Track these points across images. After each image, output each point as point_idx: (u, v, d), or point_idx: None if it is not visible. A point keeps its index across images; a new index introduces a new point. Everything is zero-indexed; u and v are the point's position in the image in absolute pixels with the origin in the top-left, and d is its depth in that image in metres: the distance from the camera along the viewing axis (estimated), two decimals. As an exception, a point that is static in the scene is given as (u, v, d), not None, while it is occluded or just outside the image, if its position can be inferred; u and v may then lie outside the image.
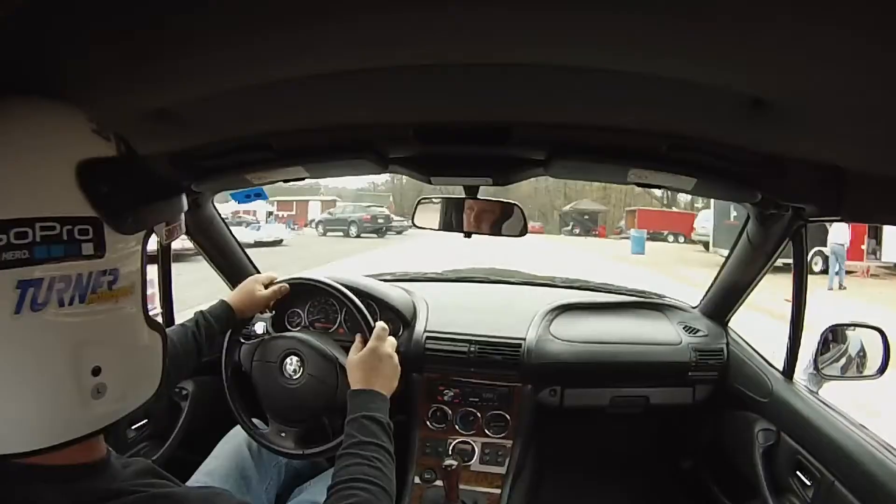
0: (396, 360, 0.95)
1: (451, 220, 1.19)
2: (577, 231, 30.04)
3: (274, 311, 1.46)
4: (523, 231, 1.16)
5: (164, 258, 1.37)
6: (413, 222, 1.25)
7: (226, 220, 1.49)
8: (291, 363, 1.18)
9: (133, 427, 1.25)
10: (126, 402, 0.49)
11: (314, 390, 1.16)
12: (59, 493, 0.45)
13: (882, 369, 1.21)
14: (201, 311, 1.06)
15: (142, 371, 0.51)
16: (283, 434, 1.17)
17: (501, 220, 1.17)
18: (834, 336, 1.28)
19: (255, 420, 1.22)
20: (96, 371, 0.46)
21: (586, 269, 10.10)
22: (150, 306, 0.52)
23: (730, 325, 1.53)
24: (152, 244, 0.52)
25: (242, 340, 1.21)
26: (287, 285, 1.19)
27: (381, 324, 1.00)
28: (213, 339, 1.06)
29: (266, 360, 1.18)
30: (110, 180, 0.46)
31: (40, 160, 0.43)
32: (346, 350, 1.21)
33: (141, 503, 0.47)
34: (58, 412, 0.45)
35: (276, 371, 1.18)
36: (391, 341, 0.98)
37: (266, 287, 1.16)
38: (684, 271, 10.63)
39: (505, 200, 1.16)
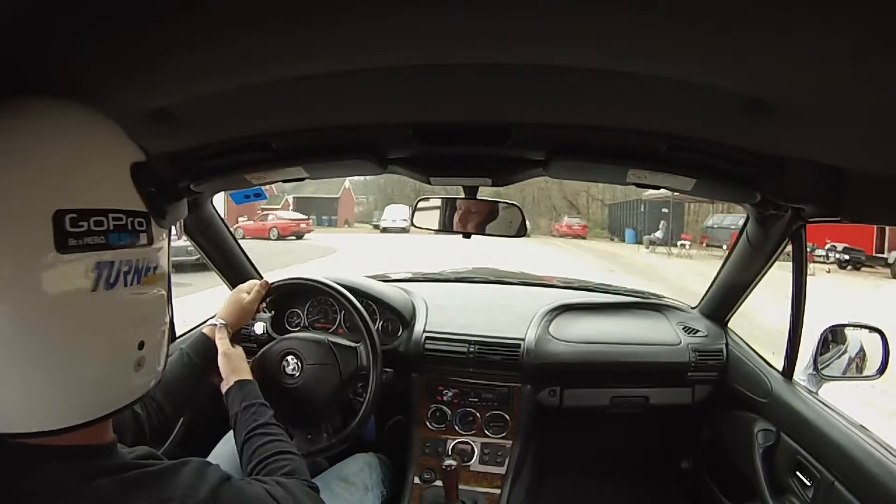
0: (237, 349, 1.05)
1: (451, 220, 1.19)
2: (687, 243, 15.98)
3: (273, 312, 1.47)
4: (522, 231, 1.16)
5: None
6: (412, 223, 1.25)
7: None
8: (290, 363, 1.19)
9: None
10: (154, 375, 0.56)
11: (318, 377, 1.17)
12: (69, 469, 0.48)
13: (882, 370, 1.21)
14: (180, 350, 1.04)
15: (163, 348, 0.57)
16: (309, 437, 1.18)
17: (501, 220, 1.17)
18: (833, 336, 1.28)
19: None
20: (141, 345, 0.52)
21: None
22: None
23: (729, 325, 1.53)
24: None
25: None
26: (267, 281, 1.20)
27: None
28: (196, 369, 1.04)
29: (266, 371, 1.19)
30: (154, 181, 0.52)
31: (108, 159, 0.50)
32: (343, 345, 1.23)
33: (140, 478, 0.51)
34: (109, 383, 0.50)
35: (278, 376, 1.18)
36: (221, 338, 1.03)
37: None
38: None
39: (504, 201, 1.16)
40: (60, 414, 0.47)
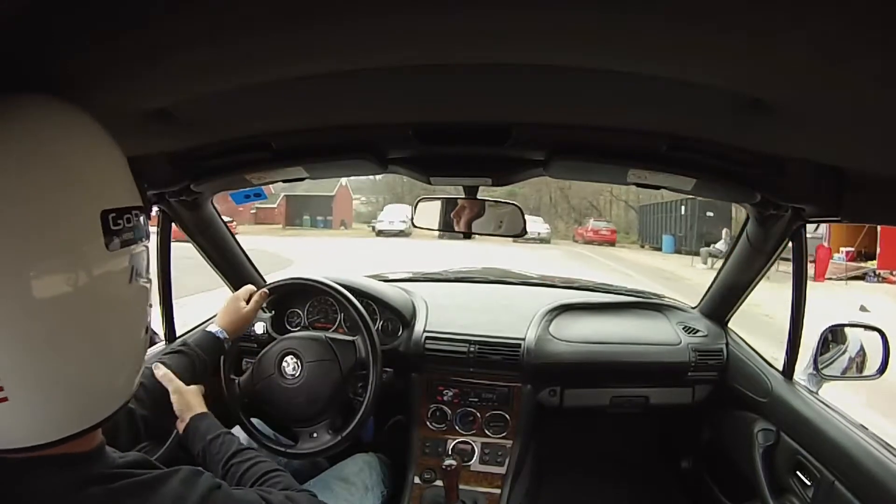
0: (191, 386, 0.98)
1: (451, 219, 1.19)
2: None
3: (273, 312, 1.47)
4: (522, 231, 1.17)
5: (164, 268, 1.36)
6: (413, 222, 1.25)
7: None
8: (289, 364, 1.19)
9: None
10: (146, 356, 0.58)
11: (319, 374, 1.18)
12: (61, 478, 0.48)
13: (882, 369, 1.21)
14: (185, 343, 1.04)
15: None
16: (314, 434, 1.19)
17: (501, 220, 1.17)
18: (833, 336, 1.28)
19: (275, 434, 1.24)
20: (147, 329, 0.55)
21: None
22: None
23: (729, 325, 1.53)
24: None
25: (234, 377, 1.21)
26: (266, 290, 1.17)
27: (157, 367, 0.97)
28: (204, 370, 1.04)
29: (267, 376, 1.19)
30: (140, 177, 0.54)
31: (119, 159, 0.52)
32: (341, 339, 1.25)
33: (130, 487, 0.51)
34: (133, 367, 0.54)
35: (278, 378, 1.18)
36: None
37: (248, 301, 1.14)
38: None
39: (504, 200, 1.17)
40: (67, 422, 0.47)
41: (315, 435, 1.18)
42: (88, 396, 0.49)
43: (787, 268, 1.21)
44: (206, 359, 1.04)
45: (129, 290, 0.50)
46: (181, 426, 0.93)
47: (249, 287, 1.17)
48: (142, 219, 0.52)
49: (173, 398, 0.94)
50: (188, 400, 0.95)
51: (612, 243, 19.95)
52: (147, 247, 0.54)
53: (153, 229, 1.29)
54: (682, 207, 17.17)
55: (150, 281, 0.55)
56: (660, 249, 18.10)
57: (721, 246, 12.88)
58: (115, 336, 0.50)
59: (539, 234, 18.80)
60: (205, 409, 0.95)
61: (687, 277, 10.43)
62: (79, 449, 0.50)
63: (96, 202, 0.47)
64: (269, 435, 1.23)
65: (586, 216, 26.10)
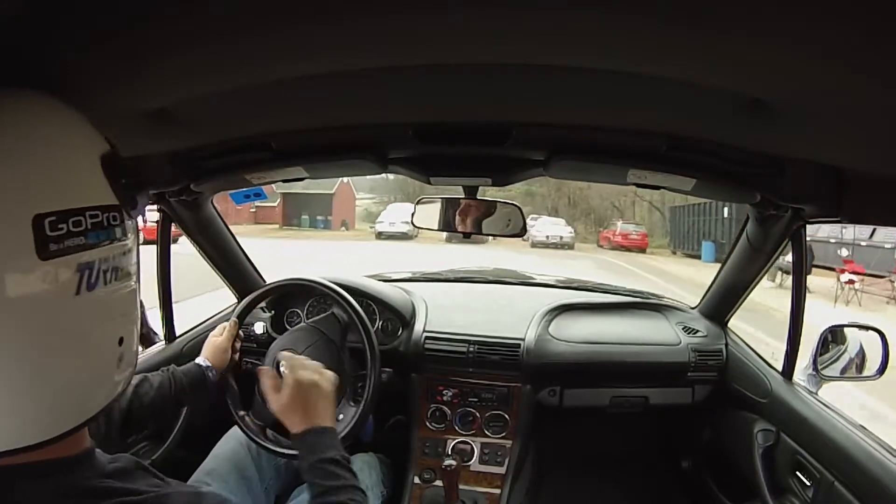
0: (324, 378, 0.90)
1: (451, 219, 1.19)
2: (854, 278, 8.37)
3: (273, 312, 1.47)
4: (522, 231, 1.17)
5: (164, 267, 1.36)
6: (413, 222, 1.25)
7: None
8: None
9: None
10: (129, 370, 0.53)
11: (317, 358, 1.18)
12: (40, 487, 0.46)
13: (881, 370, 1.21)
14: (170, 370, 1.08)
15: (136, 341, 0.55)
16: (340, 416, 1.19)
17: (501, 220, 1.17)
18: (833, 337, 1.28)
19: (274, 435, 1.24)
20: (120, 341, 0.50)
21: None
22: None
23: (729, 325, 1.53)
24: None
25: (242, 412, 1.21)
26: (234, 320, 1.22)
27: (284, 354, 1.00)
28: (184, 395, 1.07)
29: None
30: (123, 172, 0.50)
31: (80, 153, 0.47)
32: (320, 317, 1.26)
33: None
34: (90, 387, 0.48)
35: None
36: (303, 363, 0.92)
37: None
38: None
39: (503, 201, 1.17)
40: (37, 428, 0.44)
41: (341, 416, 1.18)
42: (51, 403, 0.45)
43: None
44: (185, 382, 1.07)
45: (75, 301, 0.44)
46: (298, 428, 0.83)
47: (223, 325, 1.21)
48: (107, 219, 0.47)
49: (311, 380, 0.86)
50: (323, 403, 0.86)
51: (642, 249, 17.82)
52: (124, 248, 0.49)
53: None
54: (725, 209, 14.95)
55: (125, 286, 0.50)
56: (696, 257, 16.05)
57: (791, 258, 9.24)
58: (67, 348, 0.45)
59: (561, 237, 17.26)
60: (330, 423, 0.85)
61: (775, 307, 5.51)
62: (62, 454, 0.48)
63: (27, 206, 0.41)
64: (268, 436, 1.23)
65: (607, 218, 24.46)
